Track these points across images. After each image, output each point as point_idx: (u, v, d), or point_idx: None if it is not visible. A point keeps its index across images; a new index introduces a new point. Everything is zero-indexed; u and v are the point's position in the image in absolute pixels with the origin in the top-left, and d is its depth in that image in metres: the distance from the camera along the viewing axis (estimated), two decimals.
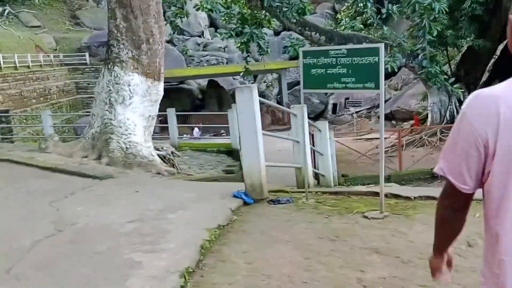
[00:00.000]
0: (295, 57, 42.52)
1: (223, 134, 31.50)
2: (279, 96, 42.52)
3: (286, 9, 11.34)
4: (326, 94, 43.11)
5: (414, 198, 4.59)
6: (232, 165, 10.54)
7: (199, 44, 41.71)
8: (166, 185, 5.96)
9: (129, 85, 7.44)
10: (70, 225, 4.00)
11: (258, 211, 4.40)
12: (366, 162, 14.65)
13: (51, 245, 3.52)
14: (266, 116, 35.58)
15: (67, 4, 40.61)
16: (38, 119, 14.67)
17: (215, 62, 41.28)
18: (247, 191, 4.86)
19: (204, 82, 38.78)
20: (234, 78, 41.61)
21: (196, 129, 28.59)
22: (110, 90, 7.47)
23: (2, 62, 25.55)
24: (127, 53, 7.34)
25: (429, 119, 16.14)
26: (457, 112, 16.42)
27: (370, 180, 12.09)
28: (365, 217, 4.02)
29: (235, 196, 4.75)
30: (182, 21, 13.35)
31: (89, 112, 32.00)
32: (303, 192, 4.93)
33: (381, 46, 3.98)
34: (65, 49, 34.76)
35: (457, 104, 15.60)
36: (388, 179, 12.21)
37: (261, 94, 42.48)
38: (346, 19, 16.67)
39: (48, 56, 31.91)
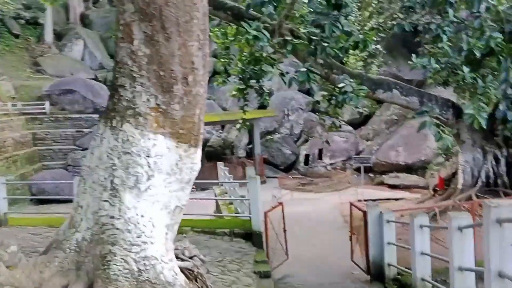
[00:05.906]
0: (264, 106, 39.99)
1: (194, 190, 27.82)
2: (249, 147, 39.13)
3: (327, 44, 8.39)
4: (296, 143, 40.25)
5: None
6: (261, 261, 7.23)
7: None
8: None
9: (148, 156, 4.00)
10: None
11: None
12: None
13: None
14: (239, 169, 32.36)
15: (29, 51, 37.22)
16: None
17: None
18: None
19: None
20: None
21: None
22: (113, 164, 3.99)
23: None
24: (148, 100, 3.95)
25: (460, 180, 13.44)
26: (494, 173, 13.95)
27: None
28: None
29: None
30: None
31: (46, 165, 26.98)
32: None
33: None
34: (24, 98, 31.13)
35: (494, 163, 13.14)
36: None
37: (230, 145, 39.46)
38: (359, 63, 14.34)
39: (5, 105, 28.14)
